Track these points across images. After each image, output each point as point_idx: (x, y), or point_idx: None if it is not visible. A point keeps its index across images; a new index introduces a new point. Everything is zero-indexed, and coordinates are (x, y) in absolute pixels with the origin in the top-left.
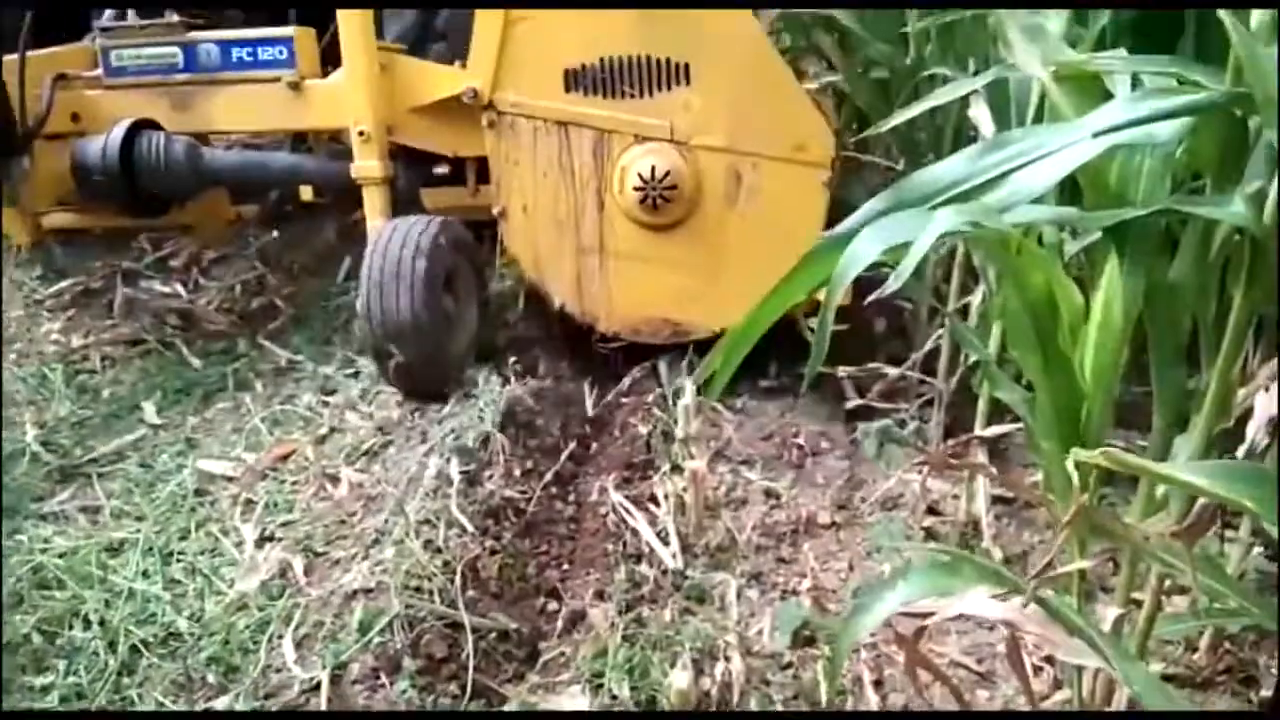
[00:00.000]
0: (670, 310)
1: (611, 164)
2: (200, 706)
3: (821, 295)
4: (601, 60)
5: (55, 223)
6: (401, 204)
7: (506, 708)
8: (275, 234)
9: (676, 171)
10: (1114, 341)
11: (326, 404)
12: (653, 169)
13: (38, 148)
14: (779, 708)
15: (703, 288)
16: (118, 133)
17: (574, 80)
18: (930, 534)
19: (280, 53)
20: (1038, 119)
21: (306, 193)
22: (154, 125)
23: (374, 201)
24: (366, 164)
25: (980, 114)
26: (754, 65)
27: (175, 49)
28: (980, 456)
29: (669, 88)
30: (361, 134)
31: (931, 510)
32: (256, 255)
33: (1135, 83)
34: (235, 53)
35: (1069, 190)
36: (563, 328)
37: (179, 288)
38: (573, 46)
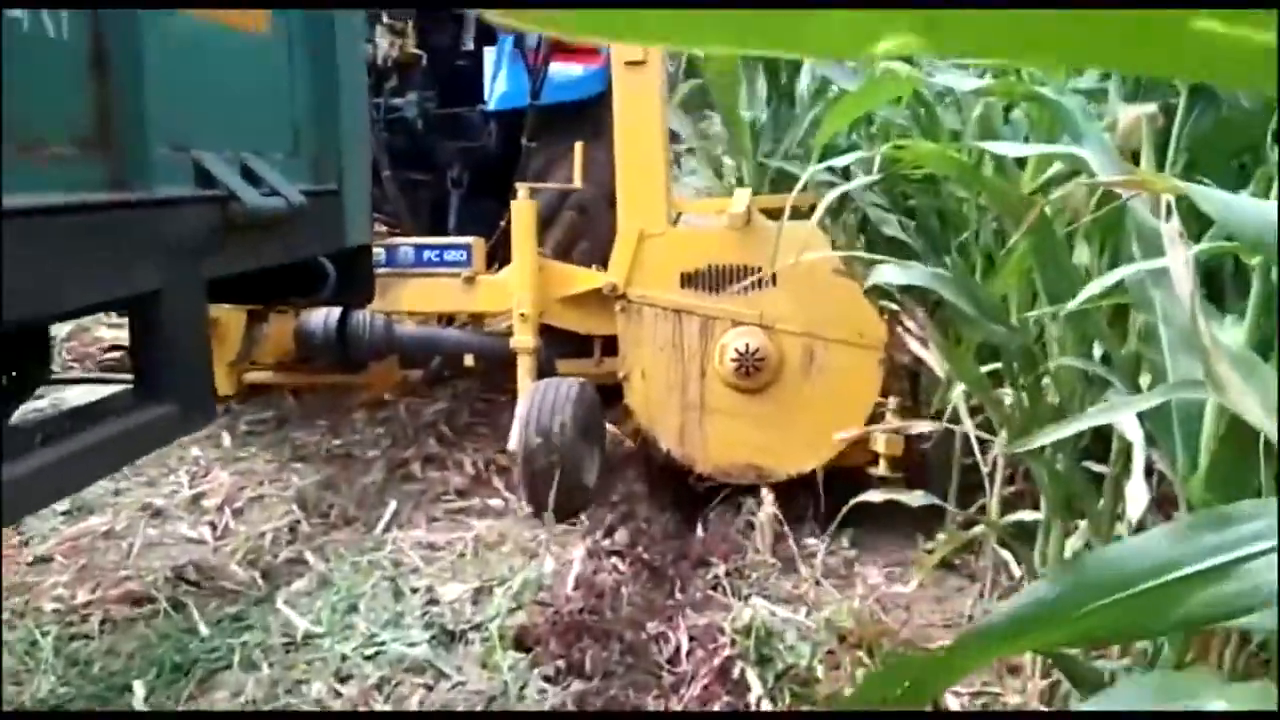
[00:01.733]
0: (754, 457)
1: (713, 342)
2: None
3: (882, 448)
4: (710, 266)
5: (253, 379)
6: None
7: None
8: (319, 475)
9: (764, 348)
10: None
11: (339, 694)
12: (747, 346)
13: (272, 317)
14: None
15: (781, 440)
16: (337, 310)
17: (688, 279)
18: None
19: (461, 255)
20: (1224, 457)
21: (469, 359)
22: None
23: (526, 366)
24: (523, 339)
25: (1130, 429)
26: (823, 273)
27: (380, 249)
28: None
29: (760, 287)
30: (523, 316)
31: None
32: (295, 498)
33: None
34: (426, 254)
35: None
36: (664, 472)
37: (206, 532)
38: (689, 256)
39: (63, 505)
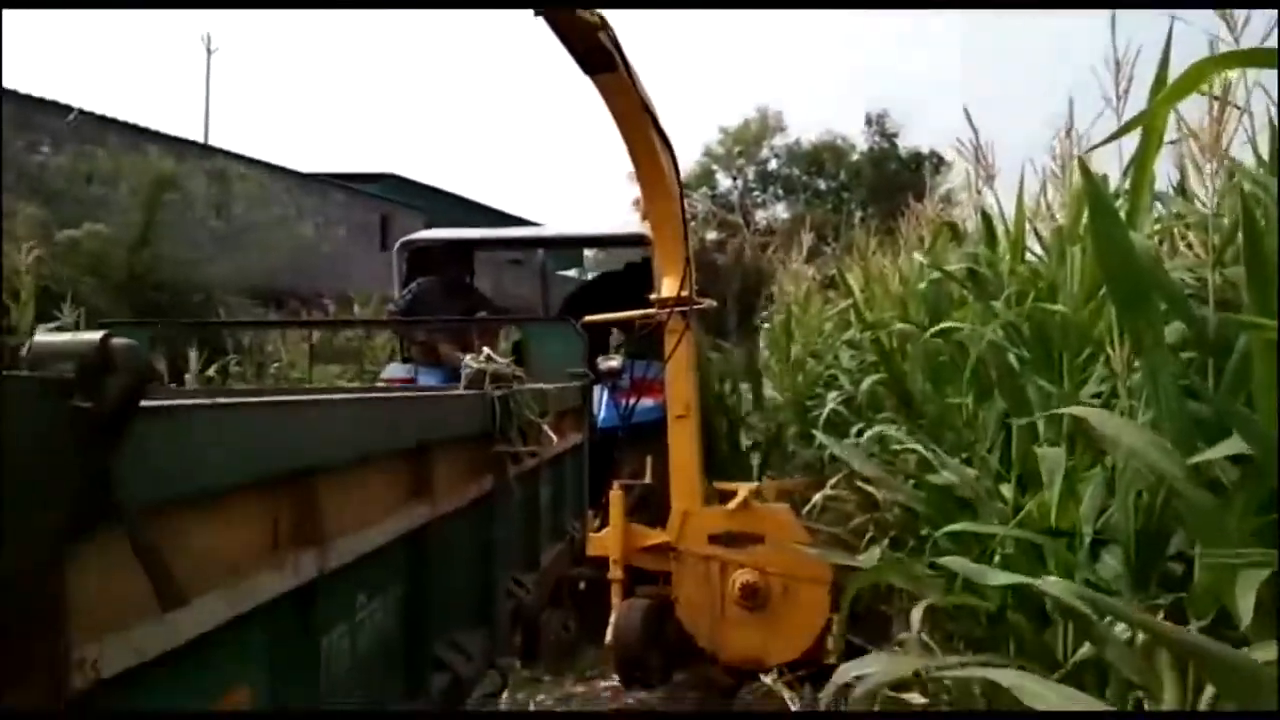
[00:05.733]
0: (754, 652)
1: (728, 578)
2: None
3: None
4: (725, 531)
5: None
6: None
7: None
8: None
9: (758, 583)
10: None
11: None
12: (747, 581)
13: None
14: None
15: (771, 641)
16: None
17: (713, 538)
18: None
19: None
20: None
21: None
22: None
23: (616, 590)
24: (615, 573)
25: None
26: (792, 536)
27: None
28: None
29: (754, 544)
30: (615, 560)
31: None
32: None
33: None
34: None
35: None
36: (704, 657)
37: None
38: (713, 525)
39: None
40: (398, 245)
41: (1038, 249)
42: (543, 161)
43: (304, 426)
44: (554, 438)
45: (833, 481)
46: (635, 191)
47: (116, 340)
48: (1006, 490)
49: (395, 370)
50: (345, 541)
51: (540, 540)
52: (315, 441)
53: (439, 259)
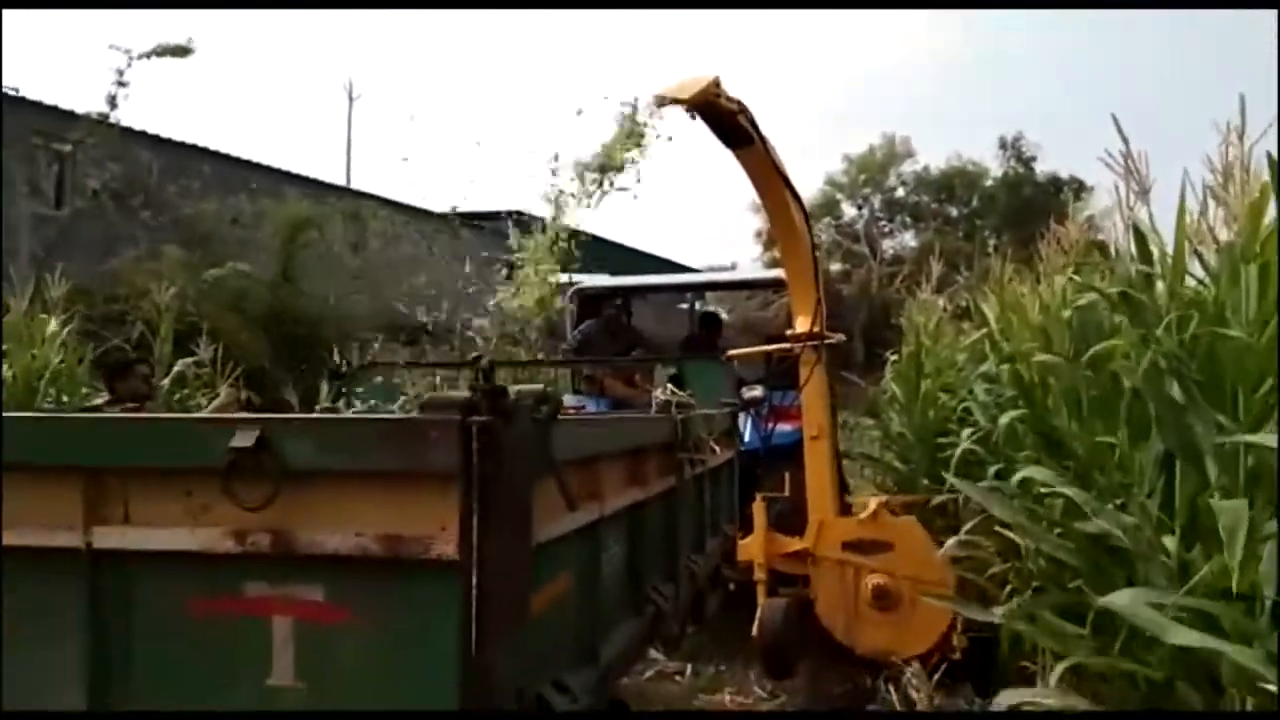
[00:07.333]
0: (886, 646)
1: (861, 580)
2: None
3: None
4: (858, 539)
5: None
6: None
7: None
8: None
9: (888, 585)
10: None
11: None
12: (879, 583)
13: None
14: None
15: (900, 637)
16: None
17: (846, 545)
18: None
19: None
20: None
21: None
22: None
23: (761, 590)
24: (760, 575)
25: None
26: (920, 545)
27: None
28: None
29: (886, 551)
30: (759, 564)
31: None
32: None
33: None
34: None
35: None
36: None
37: None
38: (846, 533)
39: None
40: (570, 291)
41: (1197, 270)
42: (664, 192)
43: (596, 433)
44: (717, 450)
45: (968, 526)
46: (757, 222)
47: (550, 389)
48: (1169, 542)
49: (567, 400)
50: (608, 502)
51: (705, 532)
52: (600, 441)
53: (602, 302)
